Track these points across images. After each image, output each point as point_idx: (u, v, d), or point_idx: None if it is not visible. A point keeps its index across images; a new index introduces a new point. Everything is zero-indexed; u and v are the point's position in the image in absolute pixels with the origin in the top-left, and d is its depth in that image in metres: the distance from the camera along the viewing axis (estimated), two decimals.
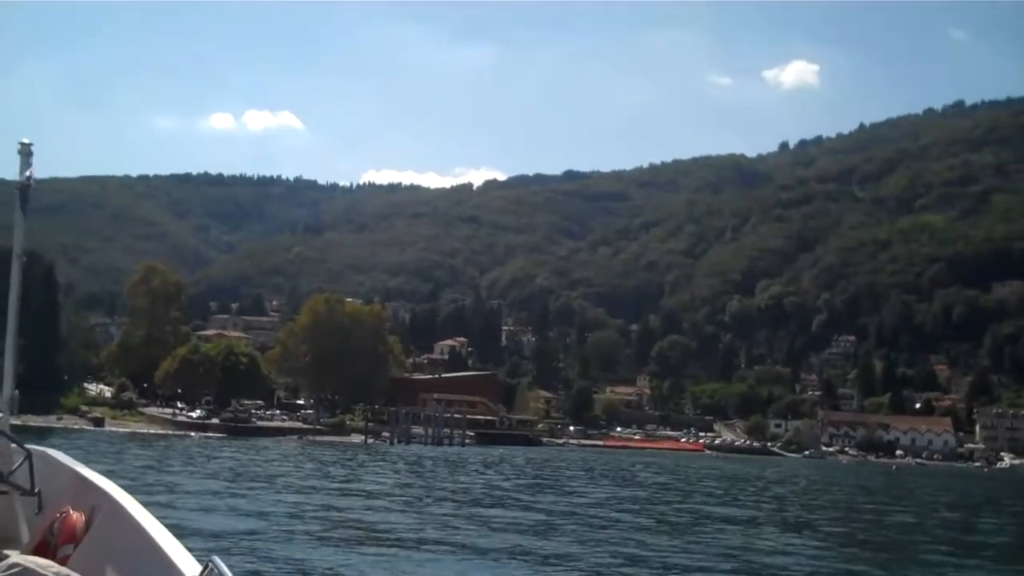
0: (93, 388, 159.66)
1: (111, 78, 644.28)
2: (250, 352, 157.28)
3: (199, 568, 3.78)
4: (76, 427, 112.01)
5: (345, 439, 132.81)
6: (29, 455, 6.83)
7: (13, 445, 7.17)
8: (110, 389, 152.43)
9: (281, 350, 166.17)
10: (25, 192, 7.87)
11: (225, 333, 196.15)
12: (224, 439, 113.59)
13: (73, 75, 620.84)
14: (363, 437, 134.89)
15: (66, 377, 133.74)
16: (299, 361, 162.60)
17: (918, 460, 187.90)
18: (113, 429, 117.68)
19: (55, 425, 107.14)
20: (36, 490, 6.69)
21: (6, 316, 7.99)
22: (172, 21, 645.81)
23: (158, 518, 4.80)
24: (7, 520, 7.03)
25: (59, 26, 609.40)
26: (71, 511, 5.66)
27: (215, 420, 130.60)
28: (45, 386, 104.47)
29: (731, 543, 34.09)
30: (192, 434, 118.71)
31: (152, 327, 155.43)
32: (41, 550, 5.30)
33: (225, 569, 3.53)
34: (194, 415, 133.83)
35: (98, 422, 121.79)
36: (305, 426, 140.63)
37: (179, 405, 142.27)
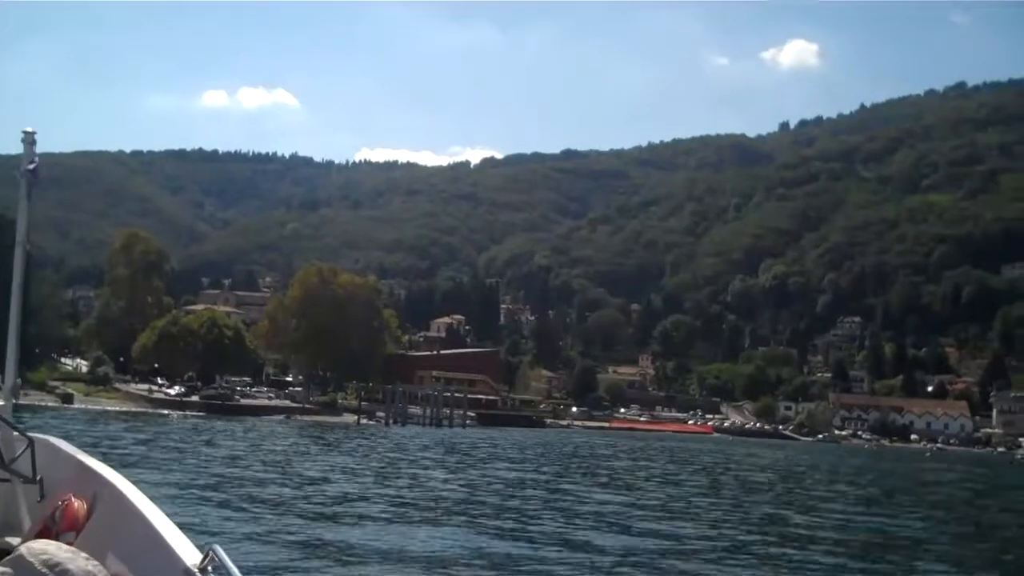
0: (70, 363, 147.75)
1: (106, 54, 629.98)
2: (235, 325, 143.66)
3: (200, 555, 3.86)
4: (41, 404, 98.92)
5: (336, 419, 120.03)
6: (31, 443, 6.55)
7: (15, 433, 6.78)
8: (87, 364, 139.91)
9: (270, 323, 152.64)
10: (30, 180, 7.45)
11: (214, 308, 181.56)
12: (203, 418, 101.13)
13: (69, 51, 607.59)
14: (355, 417, 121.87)
15: (36, 350, 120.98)
16: (289, 335, 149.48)
17: (939, 445, 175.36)
18: (82, 407, 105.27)
19: (18, 401, 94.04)
20: (38, 478, 6.45)
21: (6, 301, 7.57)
22: None
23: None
24: (9, 508, 6.75)
25: (55, 3, 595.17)
26: (73, 498, 5.59)
27: (195, 398, 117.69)
28: None
29: None
30: (169, 412, 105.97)
31: (133, 298, 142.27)
32: (43, 537, 4.98)
33: (225, 557, 3.59)
34: (172, 392, 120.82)
35: (66, 399, 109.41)
36: (293, 405, 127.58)
37: (159, 381, 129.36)
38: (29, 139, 7.47)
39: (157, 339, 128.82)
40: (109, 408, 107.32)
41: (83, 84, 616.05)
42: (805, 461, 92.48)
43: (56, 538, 4.97)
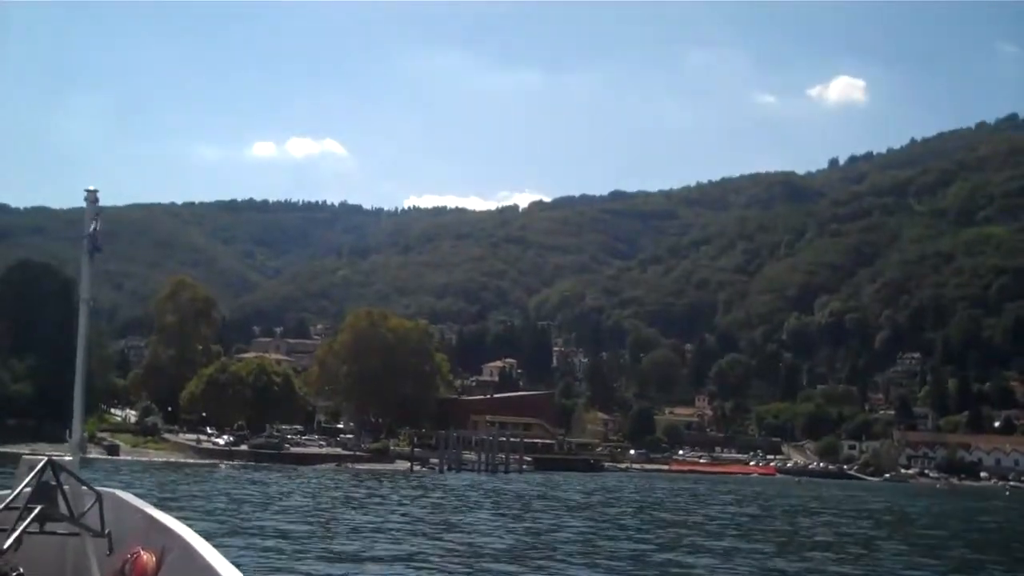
0: (119, 414, 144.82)
1: (155, 107, 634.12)
2: (284, 371, 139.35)
3: None
4: (88, 456, 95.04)
5: (389, 466, 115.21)
6: (99, 496, 6.77)
7: (84, 487, 6.89)
8: (136, 414, 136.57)
9: (320, 369, 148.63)
10: (93, 241, 7.69)
11: (263, 355, 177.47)
12: (251, 467, 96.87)
13: (117, 105, 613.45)
14: (408, 464, 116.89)
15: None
16: (340, 381, 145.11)
17: (1013, 483, 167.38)
18: (128, 458, 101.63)
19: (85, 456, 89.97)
20: (107, 531, 6.58)
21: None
22: (213, 50, 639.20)
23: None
24: (79, 562, 6.85)
25: (105, 56, 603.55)
26: (141, 552, 5.82)
27: (243, 447, 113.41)
28: (59, 411, 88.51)
29: None
30: (219, 463, 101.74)
31: (182, 347, 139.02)
32: None
33: None
34: (220, 441, 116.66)
35: (112, 450, 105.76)
36: (345, 452, 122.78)
37: (209, 431, 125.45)
38: (92, 198, 7.46)
39: (205, 387, 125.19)
40: (156, 459, 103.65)
41: (133, 137, 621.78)
42: (908, 505, 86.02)
43: None
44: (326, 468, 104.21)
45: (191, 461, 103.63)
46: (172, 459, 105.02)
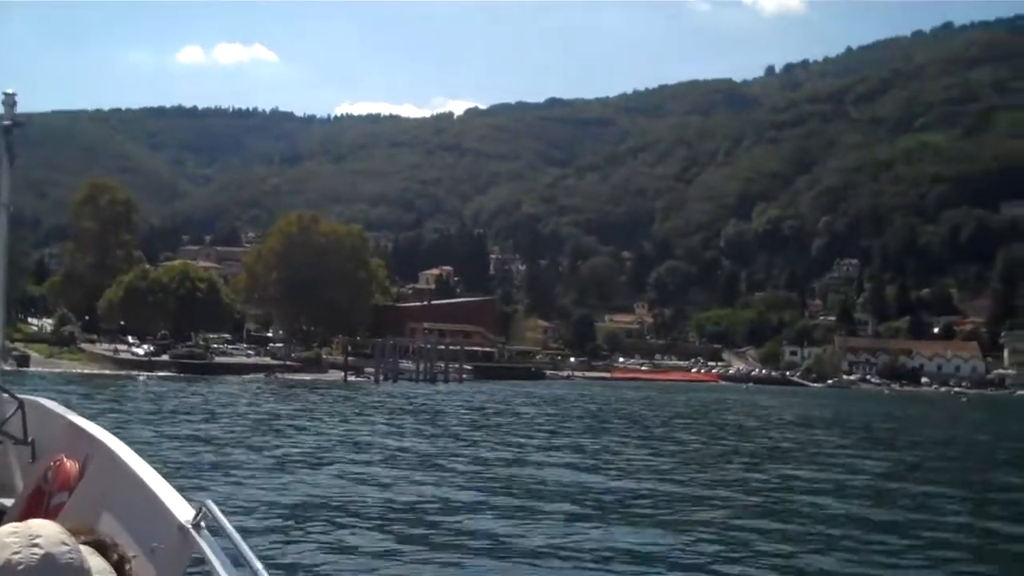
0: (36, 323, 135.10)
1: (79, 12, 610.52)
2: (208, 277, 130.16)
3: (193, 512, 3.81)
4: None
5: (321, 376, 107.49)
6: (21, 404, 6.66)
7: (5, 395, 6.88)
8: (52, 324, 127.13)
9: (249, 276, 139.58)
10: (10, 135, 7.22)
11: (190, 263, 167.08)
12: (175, 379, 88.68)
13: (44, 10, 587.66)
14: (342, 374, 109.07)
15: None
16: (269, 289, 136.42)
17: (956, 389, 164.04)
18: (40, 369, 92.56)
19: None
20: (29, 439, 6.52)
21: None
22: None
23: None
24: (1, 469, 6.82)
25: None
26: (64, 459, 5.56)
27: (164, 357, 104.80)
28: None
29: None
30: (138, 374, 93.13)
31: (101, 253, 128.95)
32: (35, 498, 5.44)
33: (219, 512, 3.56)
34: (140, 351, 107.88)
35: (22, 361, 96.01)
36: (274, 362, 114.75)
37: (130, 340, 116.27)
38: (9, 101, 7.21)
39: (124, 295, 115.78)
40: (69, 371, 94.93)
41: (57, 42, 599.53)
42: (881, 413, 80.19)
43: (49, 498, 5.26)
44: (253, 379, 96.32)
45: (107, 372, 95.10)
46: (86, 371, 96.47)
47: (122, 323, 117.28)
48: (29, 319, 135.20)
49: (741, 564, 15.86)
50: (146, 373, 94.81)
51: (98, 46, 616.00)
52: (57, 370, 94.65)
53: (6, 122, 7.04)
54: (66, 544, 2.12)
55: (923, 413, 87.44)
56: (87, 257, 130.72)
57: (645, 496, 23.14)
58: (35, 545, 2.08)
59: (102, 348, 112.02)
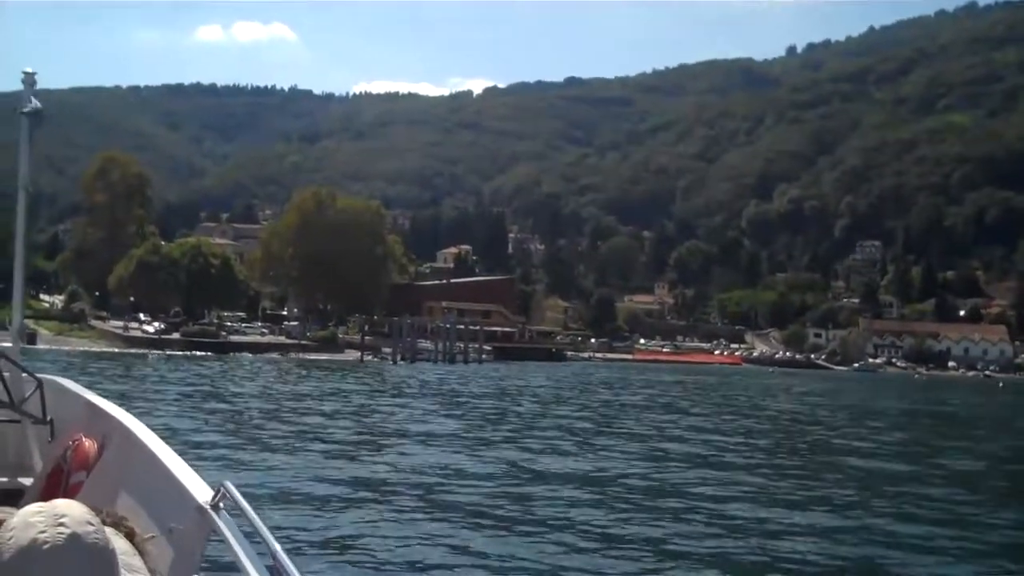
0: (48, 300, 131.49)
1: None
2: (222, 253, 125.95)
3: (211, 492, 3.76)
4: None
5: (337, 356, 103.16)
6: (40, 384, 6.59)
7: (24, 374, 6.78)
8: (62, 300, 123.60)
9: (264, 252, 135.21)
10: (31, 123, 7.43)
11: (205, 238, 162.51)
12: (184, 357, 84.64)
13: None
14: (359, 354, 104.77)
15: (2, 285, 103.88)
16: (285, 265, 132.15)
17: (985, 372, 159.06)
18: (45, 347, 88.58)
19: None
20: (48, 418, 6.51)
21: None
22: None
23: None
24: (21, 448, 6.86)
25: None
26: (83, 438, 5.55)
27: (175, 335, 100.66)
28: None
29: None
30: (148, 352, 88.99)
31: (113, 227, 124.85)
32: (54, 477, 5.42)
33: (237, 493, 3.51)
34: (150, 329, 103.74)
35: (30, 339, 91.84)
36: (289, 341, 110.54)
37: (142, 318, 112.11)
38: (29, 80, 7.29)
39: (135, 270, 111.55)
40: (77, 348, 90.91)
41: (76, 20, 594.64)
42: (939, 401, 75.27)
43: (67, 478, 5.24)
44: (268, 358, 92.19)
45: (116, 350, 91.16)
46: (95, 348, 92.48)
47: (132, 300, 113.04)
48: (41, 295, 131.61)
49: None
50: (156, 352, 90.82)
51: (117, 23, 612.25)
52: (65, 347, 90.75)
53: (25, 108, 6.98)
54: (92, 524, 2.10)
55: (987, 400, 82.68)
56: (99, 231, 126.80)
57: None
58: (61, 524, 2.06)
59: (112, 325, 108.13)
